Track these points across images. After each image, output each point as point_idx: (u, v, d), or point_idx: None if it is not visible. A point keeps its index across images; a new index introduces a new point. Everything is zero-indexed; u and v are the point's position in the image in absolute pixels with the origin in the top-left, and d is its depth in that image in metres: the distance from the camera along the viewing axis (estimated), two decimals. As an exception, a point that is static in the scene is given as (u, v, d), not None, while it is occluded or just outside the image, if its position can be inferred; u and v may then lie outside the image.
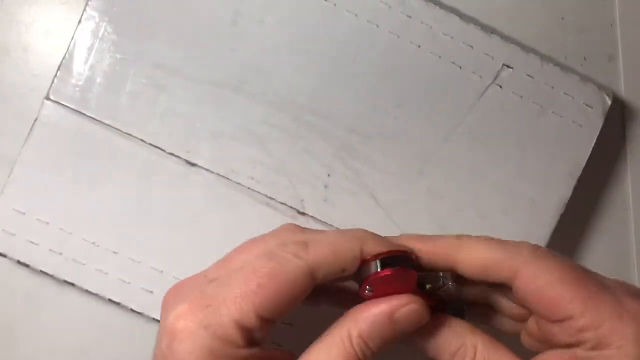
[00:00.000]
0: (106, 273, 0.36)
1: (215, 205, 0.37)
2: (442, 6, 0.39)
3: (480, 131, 0.39)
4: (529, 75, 0.39)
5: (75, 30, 0.36)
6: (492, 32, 0.39)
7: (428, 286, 0.28)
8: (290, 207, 0.38)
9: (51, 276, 0.36)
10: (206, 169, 0.37)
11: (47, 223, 0.36)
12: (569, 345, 0.27)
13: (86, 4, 0.36)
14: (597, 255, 0.42)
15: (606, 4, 0.42)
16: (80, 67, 0.36)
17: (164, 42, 0.37)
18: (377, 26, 0.38)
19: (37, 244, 0.36)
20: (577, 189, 0.39)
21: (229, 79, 0.37)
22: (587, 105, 0.39)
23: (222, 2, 0.37)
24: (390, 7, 0.38)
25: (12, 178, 0.36)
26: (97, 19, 0.36)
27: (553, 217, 0.39)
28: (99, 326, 0.38)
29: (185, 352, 0.24)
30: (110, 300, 0.36)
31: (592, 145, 0.39)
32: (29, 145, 0.36)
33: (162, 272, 0.36)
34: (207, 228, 0.37)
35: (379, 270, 0.26)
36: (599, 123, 0.39)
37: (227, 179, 0.37)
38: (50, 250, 0.36)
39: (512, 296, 0.29)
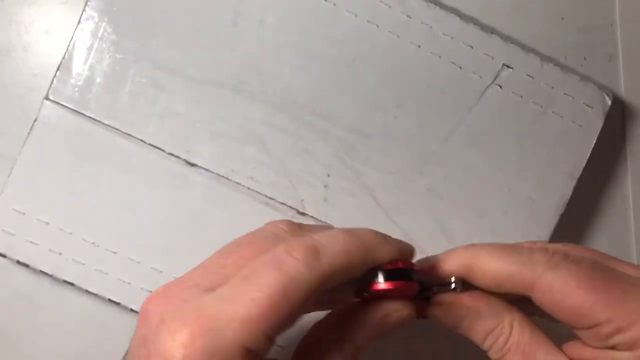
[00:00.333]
0: (106, 273, 0.36)
1: (215, 205, 0.37)
2: (442, 6, 0.39)
3: (480, 131, 0.39)
4: (529, 76, 0.39)
5: (75, 30, 0.36)
6: (492, 32, 0.39)
7: (435, 288, 0.28)
8: (290, 207, 0.38)
9: (51, 276, 0.36)
10: (206, 169, 0.37)
11: (47, 223, 0.36)
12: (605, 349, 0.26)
13: (86, 4, 0.36)
14: (597, 255, 0.42)
15: (606, 4, 0.42)
16: (79, 67, 0.36)
17: (164, 42, 0.37)
18: (377, 26, 0.38)
19: (36, 244, 0.36)
20: (577, 189, 0.39)
21: (229, 79, 0.37)
22: (587, 105, 0.39)
23: (222, 2, 0.37)
24: (390, 7, 0.38)
25: (12, 178, 0.36)
26: (96, 19, 0.36)
27: (553, 217, 0.39)
28: (99, 326, 0.38)
29: None
30: (110, 300, 0.36)
31: (592, 145, 0.39)
32: (28, 146, 0.36)
33: (162, 272, 0.36)
34: (207, 228, 0.37)
35: (382, 282, 0.25)
36: (599, 123, 0.39)
37: (227, 179, 0.37)
38: (50, 250, 0.36)
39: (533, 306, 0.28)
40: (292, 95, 0.38)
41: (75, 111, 0.36)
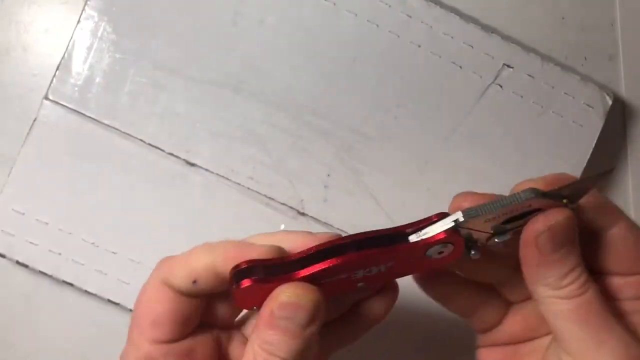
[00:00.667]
0: (105, 273, 0.36)
1: (215, 205, 0.37)
2: (443, 6, 0.39)
3: (480, 131, 0.39)
4: (529, 75, 0.39)
5: (75, 30, 0.36)
6: (492, 32, 0.39)
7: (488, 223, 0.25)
8: (290, 207, 0.38)
9: (50, 276, 0.36)
10: (206, 169, 0.37)
11: (47, 223, 0.36)
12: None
13: (85, 4, 0.36)
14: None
15: (606, 4, 0.42)
16: (79, 66, 0.36)
17: (163, 42, 0.37)
18: (377, 26, 0.38)
19: (36, 244, 0.36)
20: (577, 189, 0.39)
21: (228, 79, 0.37)
22: (587, 105, 0.39)
23: (222, 2, 0.37)
24: (390, 6, 0.38)
25: (12, 178, 0.36)
26: (96, 19, 0.36)
27: (553, 217, 0.39)
28: (99, 326, 0.38)
29: None
30: (109, 300, 0.36)
31: (593, 145, 0.39)
32: (28, 145, 0.36)
33: (161, 272, 0.36)
34: (207, 228, 0.37)
35: (234, 285, 0.25)
36: (599, 123, 0.39)
37: (227, 179, 0.37)
38: (50, 250, 0.36)
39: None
40: (292, 95, 0.38)
41: (75, 111, 0.36)
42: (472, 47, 0.39)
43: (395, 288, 0.28)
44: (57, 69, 0.36)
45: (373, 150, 0.38)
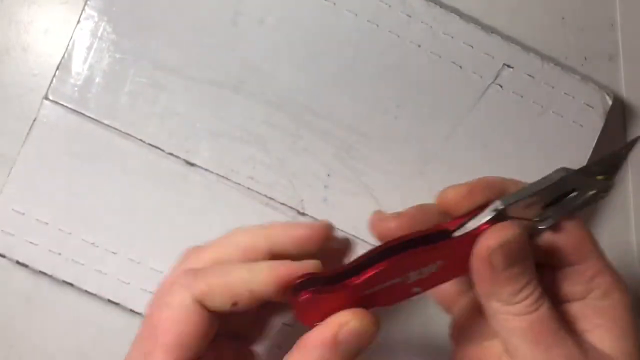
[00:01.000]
0: (105, 273, 0.36)
1: (215, 205, 0.37)
2: (443, 6, 0.39)
3: (480, 131, 0.39)
4: (529, 75, 0.39)
5: (74, 29, 0.36)
6: (492, 32, 0.39)
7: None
8: (290, 207, 0.38)
9: (50, 276, 0.36)
10: (205, 169, 0.37)
11: (46, 223, 0.36)
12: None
13: (85, 4, 0.36)
14: (598, 255, 0.42)
15: (606, 4, 0.42)
16: (79, 66, 0.36)
17: (163, 42, 0.37)
18: (377, 26, 0.38)
19: (36, 244, 0.36)
20: (577, 189, 0.39)
21: (228, 79, 0.37)
22: (587, 105, 0.39)
23: (222, 2, 0.37)
24: (390, 6, 0.38)
25: (11, 178, 0.36)
26: (96, 19, 0.36)
27: (553, 217, 0.39)
28: (99, 326, 0.38)
29: None
30: (109, 300, 0.36)
31: (593, 145, 0.39)
32: (28, 145, 0.36)
33: (161, 272, 0.36)
34: (207, 228, 0.37)
35: (293, 297, 0.25)
36: (599, 123, 0.39)
37: (227, 179, 0.37)
38: (50, 250, 0.36)
39: None
40: (292, 95, 0.38)
41: (75, 111, 0.36)
42: (472, 47, 0.39)
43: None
44: (57, 69, 0.36)
45: (373, 150, 0.38)
